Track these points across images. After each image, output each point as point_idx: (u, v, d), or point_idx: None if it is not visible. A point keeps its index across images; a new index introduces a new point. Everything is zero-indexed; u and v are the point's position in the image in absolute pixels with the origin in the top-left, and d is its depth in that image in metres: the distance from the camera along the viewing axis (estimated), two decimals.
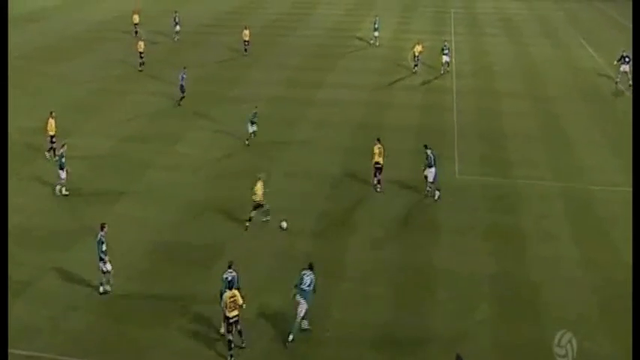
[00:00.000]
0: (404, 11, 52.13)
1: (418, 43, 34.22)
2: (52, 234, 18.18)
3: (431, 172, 20.49)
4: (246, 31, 36.96)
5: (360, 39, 42.13)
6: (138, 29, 39.85)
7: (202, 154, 23.77)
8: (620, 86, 32.40)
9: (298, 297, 14.11)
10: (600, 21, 49.19)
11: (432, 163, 20.37)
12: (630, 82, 32.05)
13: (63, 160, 20.37)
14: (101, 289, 15.69)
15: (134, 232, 18.30)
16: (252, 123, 24.38)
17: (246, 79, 33.14)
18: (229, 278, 14.19)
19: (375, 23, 40.05)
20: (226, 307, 13.57)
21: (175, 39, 39.85)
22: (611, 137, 26.08)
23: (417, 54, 34.01)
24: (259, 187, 18.44)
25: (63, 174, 20.42)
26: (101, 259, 15.47)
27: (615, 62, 32.99)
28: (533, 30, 45.78)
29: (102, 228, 15.63)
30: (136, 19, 40.45)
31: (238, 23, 46.06)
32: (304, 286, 14.16)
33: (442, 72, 33.85)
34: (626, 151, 24.54)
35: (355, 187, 21.41)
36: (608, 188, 21.66)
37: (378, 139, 21.27)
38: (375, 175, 20.97)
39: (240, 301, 13.68)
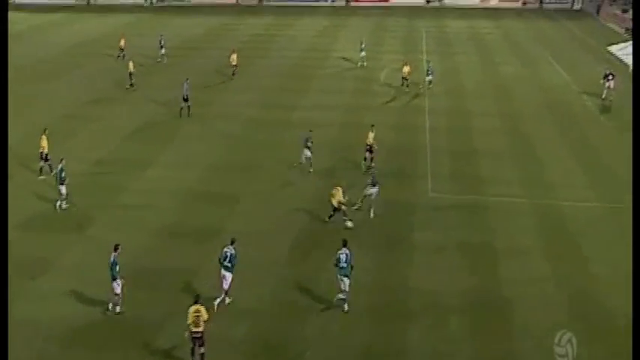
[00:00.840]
0: (376, 31, 52.97)
1: (406, 64, 34.88)
2: (14, 263, 17.91)
3: (374, 190, 20.94)
4: (234, 55, 37.20)
5: (336, 59, 42.71)
6: (124, 53, 40.29)
7: (178, 177, 23.80)
8: (608, 102, 33.47)
9: (339, 275, 15.87)
10: (568, 40, 50.54)
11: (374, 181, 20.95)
12: (612, 98, 33.38)
13: (63, 174, 20.54)
14: (117, 309, 15.73)
15: (106, 258, 18.18)
16: (307, 148, 24.41)
17: (222, 100, 33.32)
18: (227, 253, 15.82)
19: (361, 44, 40.85)
20: (190, 322, 13.50)
21: (163, 61, 40.41)
22: (580, 153, 26.76)
23: (405, 75, 34.64)
24: (338, 194, 19.84)
25: (63, 189, 20.67)
26: (114, 279, 15.46)
27: (601, 81, 34.27)
28: (503, 49, 46.86)
29: (115, 249, 15.73)
30: (122, 43, 40.92)
31: (212, 45, 46.51)
32: (342, 264, 15.82)
33: (422, 91, 34.48)
34: (594, 167, 25.27)
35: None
36: (577, 204, 22.19)
37: (372, 126, 24.83)
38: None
39: (205, 317, 13.60)
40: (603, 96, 33.85)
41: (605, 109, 32.62)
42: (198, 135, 28.37)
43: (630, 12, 54.90)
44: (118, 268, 15.55)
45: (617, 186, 23.48)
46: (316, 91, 35.38)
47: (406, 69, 34.73)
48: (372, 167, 24.05)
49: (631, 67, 36.48)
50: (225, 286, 16.00)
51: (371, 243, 19.44)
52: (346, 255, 15.90)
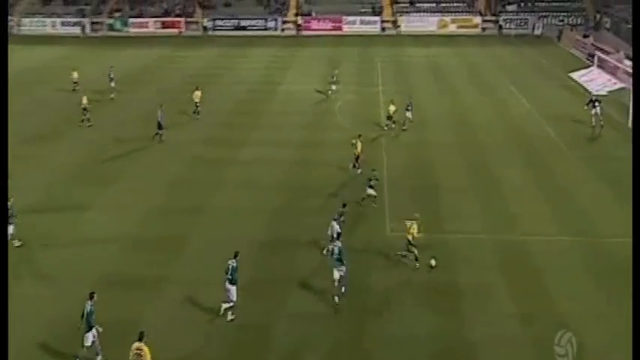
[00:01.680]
0: (329, 63, 54.41)
1: (392, 103, 35.56)
2: None
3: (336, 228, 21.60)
4: (198, 92, 37.51)
5: (287, 92, 43.68)
6: (77, 87, 41.07)
7: (115, 223, 23.88)
8: (598, 129, 35.15)
9: (334, 269, 18.77)
10: (528, 66, 52.94)
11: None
12: (602, 123, 35.13)
13: (11, 212, 20.56)
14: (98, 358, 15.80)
15: (37, 312, 18.08)
16: (371, 187, 24.95)
17: (166, 138, 33.59)
18: (231, 266, 18.00)
19: (333, 77, 41.97)
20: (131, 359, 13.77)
21: (113, 95, 40.91)
22: (543, 185, 27.97)
23: (390, 113, 35.29)
24: (413, 228, 20.96)
25: (11, 228, 20.75)
26: (89, 329, 15.66)
27: (585, 107, 36.17)
28: (461, 77, 48.79)
29: (91, 297, 16.10)
30: (75, 76, 41.21)
31: (156, 79, 46.97)
32: (335, 256, 18.81)
33: (405, 129, 35.32)
34: (558, 199, 26.47)
35: (283, 253, 22.03)
36: (541, 238, 23.20)
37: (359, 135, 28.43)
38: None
39: (148, 357, 13.80)
40: (593, 123, 35.45)
41: (575, 139, 34.13)
42: (141, 175, 28.58)
43: (592, 37, 58.19)
44: (94, 317, 15.92)
45: (582, 218, 24.67)
46: (266, 127, 36.07)
47: (392, 107, 35.16)
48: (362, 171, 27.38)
49: (593, 94, 38.53)
50: (231, 297, 18.16)
51: (325, 287, 19.91)
52: (339, 248, 18.98)
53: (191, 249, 22.20)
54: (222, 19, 70.24)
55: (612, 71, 45.92)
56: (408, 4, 72.11)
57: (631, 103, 32.50)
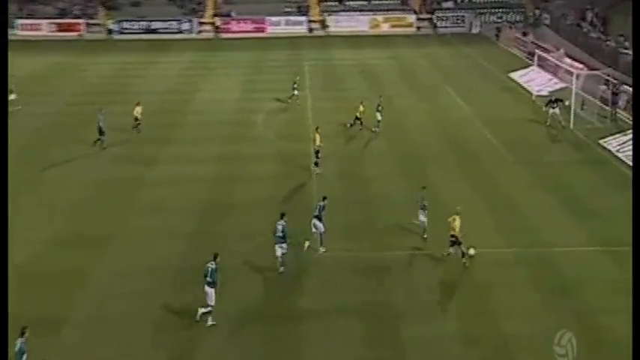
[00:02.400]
0: (249, 68, 54.45)
1: (361, 103, 36.64)
2: None
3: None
4: (138, 108, 36.46)
5: (205, 102, 43.36)
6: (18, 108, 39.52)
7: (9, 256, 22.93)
8: (558, 128, 36.83)
9: (277, 245, 21.71)
10: (466, 67, 54.49)
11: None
12: (563, 123, 36.81)
13: None
14: None
15: None
16: (422, 209, 24.53)
17: (63, 157, 32.84)
18: (209, 269, 19.18)
19: (294, 83, 42.01)
20: None
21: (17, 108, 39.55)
22: (485, 195, 28.73)
23: (359, 114, 36.37)
24: (456, 223, 21.97)
25: None
26: None
27: (544, 108, 38.08)
28: (396, 80, 49.72)
29: (22, 334, 15.81)
30: (12, 96, 39.80)
31: (54, 91, 45.67)
32: (278, 234, 21.57)
33: (375, 130, 36.16)
34: (500, 209, 27.20)
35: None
36: (485, 250, 23.70)
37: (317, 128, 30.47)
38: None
39: None
40: (548, 123, 37.27)
41: (516, 144, 35.18)
42: (35, 203, 27.61)
43: (531, 35, 60.45)
44: (25, 357, 15.65)
45: (526, 228, 25.44)
46: (181, 142, 35.62)
47: (360, 108, 36.51)
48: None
49: (534, 95, 40.09)
50: (209, 301, 19.05)
51: (255, 314, 19.74)
52: (282, 226, 21.57)
53: (94, 284, 21.57)
54: (130, 21, 69.05)
55: (553, 70, 47.71)
56: (336, 3, 72.97)
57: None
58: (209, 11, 71.90)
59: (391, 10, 72.37)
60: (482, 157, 33.51)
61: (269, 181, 30.06)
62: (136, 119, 36.45)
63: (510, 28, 66.68)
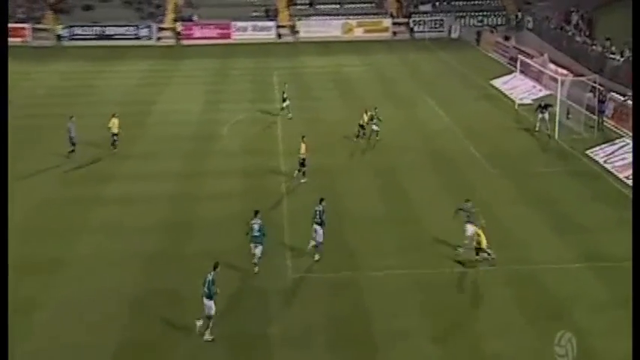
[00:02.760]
0: (214, 77, 54.58)
1: (366, 112, 37.24)
2: None
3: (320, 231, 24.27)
4: (115, 120, 36.00)
5: (165, 114, 43.36)
6: None
7: None
8: (545, 136, 37.93)
9: (252, 244, 22.96)
10: (445, 74, 55.25)
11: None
12: (549, 132, 37.80)
13: None
14: None
15: None
16: (470, 222, 24.99)
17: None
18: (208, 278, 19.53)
19: (283, 93, 41.94)
20: None
21: None
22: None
23: (362, 122, 37.05)
24: (481, 237, 23.51)
25: None
26: None
27: (536, 112, 39.08)
28: (372, 89, 50.18)
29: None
30: None
31: None
32: (255, 233, 22.88)
33: (373, 143, 36.89)
34: (487, 226, 27.49)
35: (161, 307, 21.69)
36: (469, 270, 24.03)
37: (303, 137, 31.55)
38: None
39: None
40: (537, 128, 38.31)
41: (500, 155, 35.72)
42: None
43: (513, 39, 61.49)
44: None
45: (509, 244, 25.79)
46: (139, 157, 35.55)
47: (365, 117, 37.29)
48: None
49: (517, 103, 40.75)
50: (208, 313, 19.59)
51: (221, 342, 19.74)
52: (259, 225, 22.87)
53: (45, 313, 21.39)
54: (82, 27, 68.67)
55: (536, 77, 48.57)
56: (307, 6, 73.61)
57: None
58: (169, 16, 72.03)
59: (365, 14, 73.16)
60: (463, 169, 33.94)
61: (235, 198, 30.12)
62: (114, 134, 36.03)
63: (491, 32, 67.82)
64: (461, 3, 74.49)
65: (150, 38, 69.35)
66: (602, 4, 55.54)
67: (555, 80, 41.59)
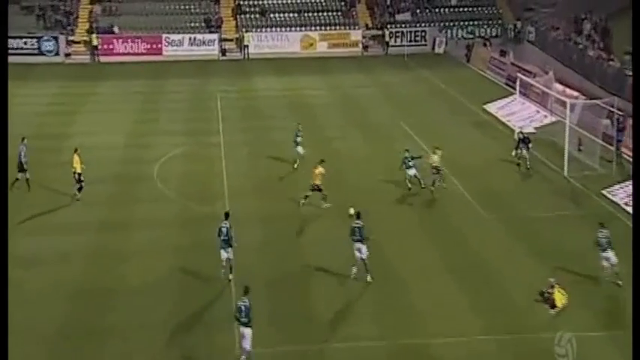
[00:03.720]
0: (141, 103, 54.63)
1: (436, 150, 36.82)
2: None
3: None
4: (76, 157, 35.94)
5: (78, 148, 42.98)
6: None
7: None
8: (522, 169, 39.07)
9: (221, 250, 27.21)
10: (427, 97, 56.22)
11: None
12: (529, 166, 38.91)
13: None
14: None
15: None
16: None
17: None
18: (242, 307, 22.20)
19: (296, 135, 40.80)
20: None
21: None
22: (454, 262, 29.54)
23: (433, 164, 36.27)
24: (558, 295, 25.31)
25: None
26: None
27: (513, 152, 39.76)
28: (338, 117, 50.83)
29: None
30: None
31: None
32: (223, 237, 27.06)
33: (409, 188, 36.62)
34: (474, 281, 27.89)
35: None
36: (456, 340, 24.24)
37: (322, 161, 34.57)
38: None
39: None
40: (528, 165, 39.16)
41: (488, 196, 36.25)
42: None
43: (511, 55, 62.63)
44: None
45: (509, 308, 26.11)
46: (45, 204, 35.25)
47: (434, 157, 36.50)
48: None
49: (517, 132, 41.32)
50: (245, 345, 21.68)
51: None
52: (226, 228, 27.04)
53: None
54: None
55: (540, 100, 49.39)
56: (257, 15, 73.97)
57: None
58: (82, 25, 71.70)
59: (330, 24, 73.90)
60: (450, 213, 34.37)
61: (168, 255, 30.10)
62: (75, 174, 35.78)
63: (485, 45, 69.00)
64: (447, 11, 75.55)
65: (56, 54, 69.18)
66: (621, 9, 55.26)
67: (563, 104, 42.11)
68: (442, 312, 26.04)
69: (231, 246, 27.21)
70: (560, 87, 48.69)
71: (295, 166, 40.15)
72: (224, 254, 27.26)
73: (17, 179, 35.84)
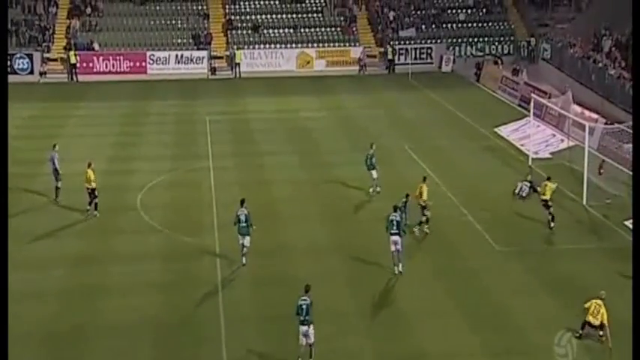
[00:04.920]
0: (123, 126, 54.63)
1: (423, 183, 35.60)
2: None
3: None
4: (90, 172, 37.44)
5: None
6: None
7: None
8: (519, 198, 39.26)
9: (240, 236, 31.10)
10: (434, 120, 56.40)
11: None
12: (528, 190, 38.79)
13: None
14: None
15: None
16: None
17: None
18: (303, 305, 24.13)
19: (370, 157, 40.26)
20: None
21: None
22: (464, 299, 29.42)
23: (424, 200, 35.11)
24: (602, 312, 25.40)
25: None
26: None
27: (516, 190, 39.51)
28: (337, 141, 50.83)
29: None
30: None
31: None
32: (242, 224, 30.88)
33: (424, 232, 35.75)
34: (486, 321, 27.75)
35: None
36: None
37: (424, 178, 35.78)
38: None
39: None
40: (523, 194, 39.25)
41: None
42: None
43: (525, 73, 62.79)
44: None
45: (523, 350, 25.96)
46: (19, 236, 34.97)
47: (424, 192, 35.26)
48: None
49: (530, 158, 41.33)
50: (310, 340, 24.03)
51: None
52: (245, 215, 30.84)
53: None
54: None
55: (556, 123, 49.54)
56: (249, 31, 74.39)
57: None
58: (59, 42, 71.97)
59: (328, 41, 74.49)
60: (460, 247, 34.29)
61: (151, 292, 29.98)
62: (90, 190, 37.05)
63: (496, 63, 69.25)
64: (455, 26, 76.10)
65: (31, 72, 69.29)
66: None
67: (582, 127, 42.09)
68: (452, 356, 25.85)
69: (249, 234, 30.99)
70: (578, 109, 48.89)
71: (371, 191, 40.45)
72: (243, 240, 31.04)
73: (58, 187, 38.55)
